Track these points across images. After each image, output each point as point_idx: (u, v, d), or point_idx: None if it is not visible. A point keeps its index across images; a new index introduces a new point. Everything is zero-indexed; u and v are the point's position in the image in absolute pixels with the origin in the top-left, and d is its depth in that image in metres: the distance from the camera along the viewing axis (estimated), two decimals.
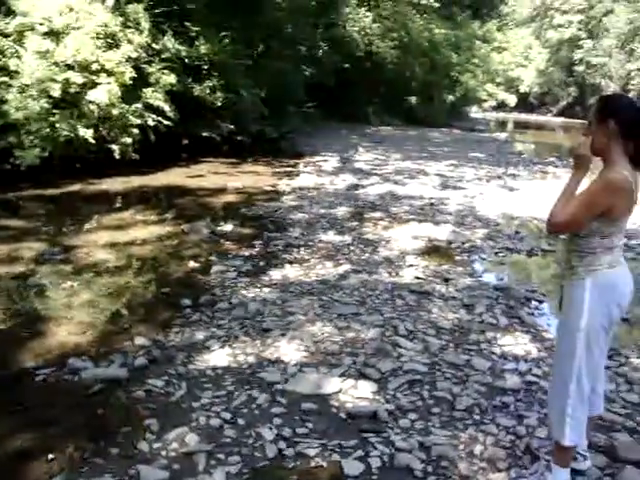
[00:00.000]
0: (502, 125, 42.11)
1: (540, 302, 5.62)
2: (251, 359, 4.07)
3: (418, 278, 5.99)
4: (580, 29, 56.11)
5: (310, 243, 7.14)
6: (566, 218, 2.52)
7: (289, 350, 4.19)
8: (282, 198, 9.98)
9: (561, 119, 54.23)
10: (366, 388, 3.73)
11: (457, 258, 6.97)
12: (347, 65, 23.32)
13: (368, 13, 25.49)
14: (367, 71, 25.74)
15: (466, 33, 29.90)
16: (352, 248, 7.02)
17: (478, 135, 28.69)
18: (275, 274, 5.92)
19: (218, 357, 4.09)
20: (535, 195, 11.48)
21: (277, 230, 7.80)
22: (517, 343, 4.57)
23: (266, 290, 5.45)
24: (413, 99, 30.05)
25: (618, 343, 4.60)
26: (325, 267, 6.22)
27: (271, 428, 3.28)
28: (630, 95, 45.28)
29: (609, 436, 3.34)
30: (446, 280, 5.98)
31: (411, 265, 6.45)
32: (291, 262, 6.36)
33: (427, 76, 28.91)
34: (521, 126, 42.00)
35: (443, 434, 3.30)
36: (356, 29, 24.33)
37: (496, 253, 7.29)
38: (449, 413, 3.52)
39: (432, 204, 10.01)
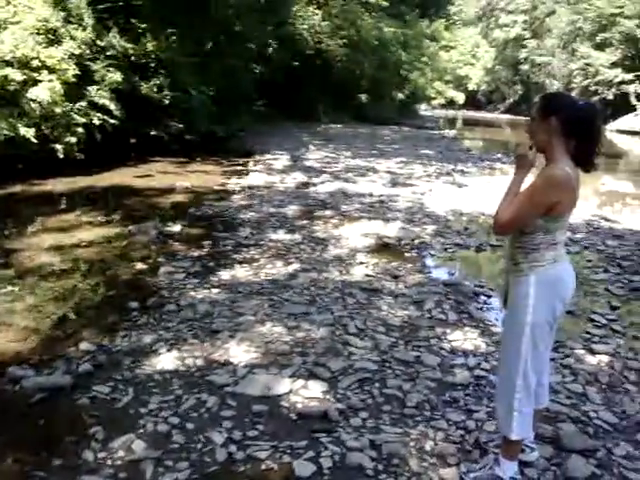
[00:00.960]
0: (451, 122, 42.71)
1: (488, 297, 5.70)
2: (200, 362, 4.01)
3: (368, 276, 6.01)
4: (525, 29, 57.47)
5: (260, 242, 7.08)
6: (511, 217, 2.56)
7: (238, 352, 4.14)
8: (232, 197, 9.88)
9: (508, 116, 55.38)
10: (317, 388, 3.72)
11: (407, 255, 7.03)
12: (297, 63, 23.27)
13: (317, 11, 25.50)
14: (317, 69, 25.75)
15: (415, 32, 30.25)
16: (302, 247, 6.99)
17: (427, 132, 29.03)
18: (224, 275, 5.85)
19: (166, 360, 4.01)
20: (483, 191, 11.68)
21: (226, 230, 7.71)
22: (466, 338, 4.63)
23: (215, 291, 5.37)
24: (363, 97, 30.23)
25: (563, 335, 4.71)
26: (275, 266, 6.17)
27: (221, 432, 3.23)
28: (573, 93, 46.63)
29: (555, 426, 3.41)
30: (396, 277, 6.02)
31: (361, 263, 6.47)
32: (241, 262, 6.29)
33: (377, 74, 29.11)
34: (470, 123, 42.73)
35: (394, 432, 3.31)
36: (305, 27, 24.30)
37: (445, 249, 7.38)
38: (400, 410, 3.53)
39: (382, 201, 10.07)
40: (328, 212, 9.05)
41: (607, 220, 9.70)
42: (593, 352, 4.51)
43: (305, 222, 8.26)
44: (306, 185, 11.36)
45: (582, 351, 4.52)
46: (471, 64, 62.29)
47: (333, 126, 26.09)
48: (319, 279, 5.80)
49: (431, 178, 13.35)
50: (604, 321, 5.22)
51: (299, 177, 12.12)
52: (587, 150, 2.61)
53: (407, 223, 8.56)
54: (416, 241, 7.62)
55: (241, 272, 5.94)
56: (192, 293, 5.31)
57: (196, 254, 6.61)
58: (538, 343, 2.68)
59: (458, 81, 60.11)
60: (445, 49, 40.03)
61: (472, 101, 63.03)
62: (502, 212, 2.58)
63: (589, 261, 7.29)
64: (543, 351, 2.75)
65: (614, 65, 40.45)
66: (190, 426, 3.27)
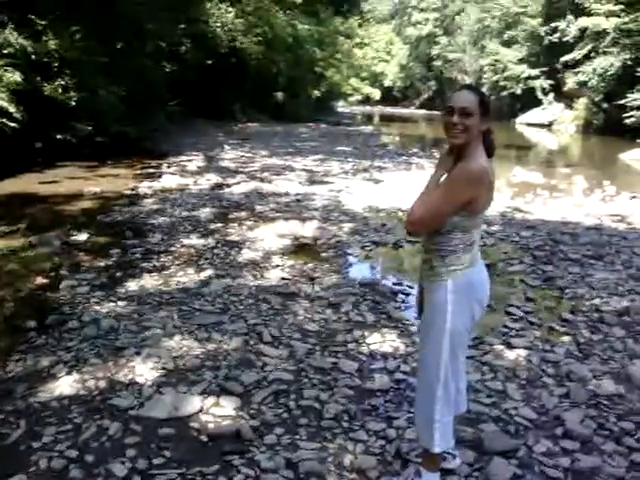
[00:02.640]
0: (368, 118, 43.19)
1: (407, 295, 5.64)
2: (102, 384, 3.70)
3: (284, 279, 5.82)
4: (436, 26, 58.90)
5: (171, 249, 6.76)
6: (424, 214, 2.44)
7: (145, 370, 3.85)
8: (143, 202, 9.45)
9: (423, 111, 56.62)
10: (229, 404, 3.50)
11: (323, 255, 6.89)
12: (211, 62, 22.79)
13: (230, 8, 25.05)
14: (232, 67, 25.32)
15: (329, 29, 30.26)
16: (216, 251, 6.73)
17: (344, 129, 29.19)
18: (132, 285, 5.51)
19: (65, 385, 3.68)
20: (400, 186, 11.76)
21: (136, 236, 7.32)
22: (385, 340, 4.52)
23: (121, 304, 5.04)
24: (279, 95, 30.02)
25: (482, 331, 4.69)
26: (186, 274, 5.88)
27: (124, 462, 2.97)
28: (484, 88, 48.08)
29: (476, 428, 3.34)
30: (312, 279, 5.87)
31: (277, 266, 6.28)
32: (150, 271, 5.96)
33: (292, 71, 28.97)
34: (386, 119, 43.34)
35: (311, 447, 3.14)
36: (219, 25, 23.81)
37: (363, 247, 7.29)
38: (317, 423, 3.37)
39: (298, 200, 9.92)
40: (243, 213, 8.81)
41: (520, 211, 9.93)
42: (511, 346, 4.51)
43: (219, 225, 7.99)
44: (221, 186, 11.05)
45: (500, 346, 4.51)
46: (386, 61, 63.28)
47: (250, 125, 25.78)
48: (233, 285, 5.56)
49: (348, 175, 13.33)
50: (520, 314, 5.26)
51: (213, 178, 11.78)
52: (492, 138, 2.58)
53: (324, 222, 8.44)
54: (333, 240, 7.51)
55: (150, 281, 5.62)
56: (96, 307, 4.96)
57: (102, 264, 6.22)
58: (457, 350, 2.58)
59: (374, 78, 60.93)
60: (360, 46, 40.35)
61: (388, 97, 64.06)
62: (415, 209, 2.45)
63: (505, 253, 7.39)
64: (461, 358, 2.66)
65: (521, 61, 41.97)
66: (90, 458, 2.99)
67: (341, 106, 49.92)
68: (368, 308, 5.15)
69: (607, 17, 31.92)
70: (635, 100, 27.64)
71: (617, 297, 5.74)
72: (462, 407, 2.88)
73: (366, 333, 4.62)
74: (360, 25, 38.77)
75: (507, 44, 43.77)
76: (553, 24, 38.56)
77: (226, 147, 17.13)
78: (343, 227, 8.23)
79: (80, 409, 3.43)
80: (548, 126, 39.10)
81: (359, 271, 6.37)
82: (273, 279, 5.81)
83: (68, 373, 3.83)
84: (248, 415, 3.40)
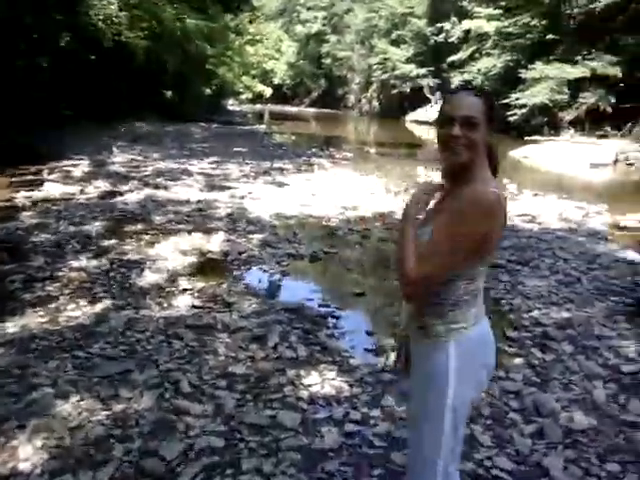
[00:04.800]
0: (259, 117, 42.40)
1: (337, 319, 5.06)
2: None
3: (196, 307, 5.04)
4: (325, 25, 59.03)
5: (58, 274, 5.70)
6: (431, 271, 1.83)
7: (31, 451, 2.97)
8: (21, 215, 8.18)
9: (314, 109, 56.58)
10: None
11: (236, 273, 6.16)
12: (94, 57, 21.17)
13: (113, 0, 23.43)
14: (117, 64, 23.72)
15: (219, 25, 29.12)
16: (112, 275, 5.78)
17: (238, 128, 28.30)
18: (9, 325, 4.48)
19: None
20: (306, 190, 11.21)
21: (14, 259, 6.13)
22: (324, 379, 3.90)
23: None
24: (169, 93, 28.59)
25: None
26: (79, 306, 4.92)
27: None
28: (373, 87, 48.76)
29: None
30: (229, 305, 5.13)
31: (185, 290, 5.47)
32: (33, 304, 4.94)
33: (182, 69, 27.64)
34: (277, 117, 42.65)
35: None
36: (101, 18, 22.16)
37: (278, 262, 6.63)
38: None
39: (200, 209, 9.07)
40: (140, 226, 7.86)
41: None
42: None
43: (113, 241, 6.99)
44: (112, 194, 9.94)
45: None
46: (275, 58, 62.72)
47: (138, 125, 24.27)
48: (136, 318, 4.71)
49: (249, 178, 12.58)
50: None
51: (103, 185, 10.62)
52: (495, 151, 2.02)
53: (231, 233, 7.69)
54: (244, 255, 6.79)
55: (34, 319, 4.62)
56: None
57: None
58: (459, 425, 1.99)
59: (264, 75, 60.20)
60: (250, 43, 39.48)
61: (278, 95, 63.52)
62: (410, 265, 1.83)
63: None
64: (461, 430, 2.07)
65: (409, 61, 42.79)
66: None
67: (232, 104, 48.77)
68: (298, 339, 4.51)
69: (488, 20, 33.09)
70: (518, 99, 28.74)
71: (555, 307, 5.48)
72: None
73: (302, 372, 3.97)
74: (251, 22, 37.91)
75: (395, 43, 44.48)
76: (438, 25, 39.56)
77: (114, 150, 15.80)
78: (252, 239, 7.53)
79: None
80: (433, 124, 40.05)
81: (280, 292, 5.68)
82: (183, 308, 5.01)
83: None
84: None
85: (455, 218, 1.80)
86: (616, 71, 24.92)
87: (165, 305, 5.07)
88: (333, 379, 3.91)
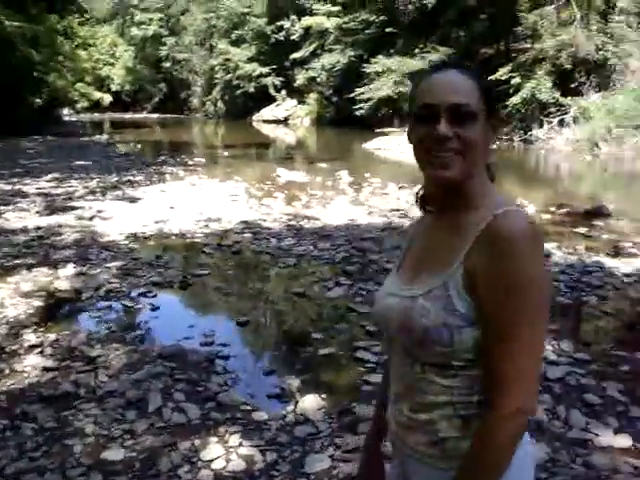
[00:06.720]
0: (99, 126, 39.79)
1: (226, 359, 4.27)
2: None
3: (48, 369, 3.99)
4: (162, 26, 56.74)
5: None
6: (531, 387, 1.16)
7: None
8: None
9: (157, 115, 54.30)
10: None
11: (95, 315, 5.13)
12: None
13: None
14: None
15: (45, 27, 26.55)
16: None
17: (77, 140, 26.08)
18: None
19: None
20: (162, 202, 10.23)
21: None
22: (228, 448, 3.12)
23: None
24: None
25: (341, 397, 3.53)
26: None
27: None
28: (217, 89, 47.55)
29: None
30: (91, 361, 4.14)
31: (32, 347, 4.36)
32: None
33: (3, 77, 24.95)
34: (119, 126, 40.23)
35: None
36: None
37: (143, 294, 5.67)
38: None
39: (41, 237, 7.78)
40: None
41: (305, 218, 9.07)
42: None
43: None
44: None
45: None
46: (111, 64, 59.34)
47: None
48: None
49: (97, 195, 11.27)
50: (373, 357, 4.22)
51: None
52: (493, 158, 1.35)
53: (83, 264, 6.57)
54: (101, 290, 5.75)
55: None
56: None
57: None
58: None
59: (101, 82, 56.76)
60: (83, 47, 36.66)
61: (118, 102, 60.24)
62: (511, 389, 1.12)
63: (313, 273, 6.37)
64: None
65: (251, 60, 42.17)
66: None
67: (68, 114, 45.34)
68: (185, 395, 3.66)
69: (328, 17, 33.39)
70: (362, 94, 29.19)
71: None
72: None
73: (197, 442, 3.15)
74: (82, 24, 35.17)
75: (236, 43, 43.66)
76: (278, 23, 39.36)
77: None
78: (109, 267, 6.49)
79: None
80: (284, 121, 39.88)
81: (152, 334, 4.75)
82: (32, 373, 3.94)
83: None
84: None
85: (505, 277, 1.11)
86: None
87: (7, 372, 3.97)
88: (239, 446, 3.13)
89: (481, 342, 1.15)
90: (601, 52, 21.09)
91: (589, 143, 19.14)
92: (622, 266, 6.51)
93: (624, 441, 3.22)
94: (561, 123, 20.78)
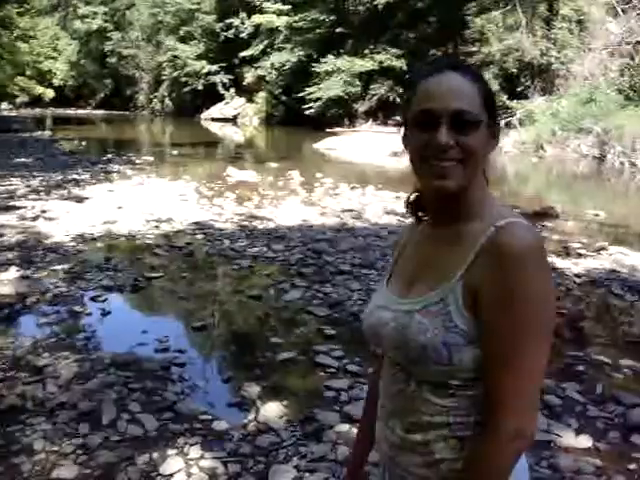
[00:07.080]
0: (41, 122, 38.51)
1: (182, 366, 4.12)
2: None
3: None
4: (107, 21, 55.22)
5: None
6: (532, 410, 1.10)
7: None
8: None
9: (102, 111, 52.94)
10: None
11: (41, 322, 4.90)
12: None
13: None
14: None
15: None
16: None
17: (17, 136, 25.17)
18: None
19: None
20: (110, 202, 9.93)
21: None
22: (188, 460, 3.01)
23: None
24: None
25: (304, 404, 3.45)
26: None
27: None
28: (164, 86, 46.70)
29: None
30: (39, 371, 3.91)
31: None
32: None
33: None
34: (62, 122, 39.07)
35: None
36: None
37: (93, 298, 5.46)
38: None
39: None
40: None
41: (257, 218, 8.94)
42: (353, 421, 3.34)
43: None
44: None
45: (343, 426, 3.31)
46: (53, 57, 57.45)
47: None
48: None
49: (40, 194, 10.85)
50: (334, 362, 4.17)
51: None
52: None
53: (27, 267, 6.28)
54: (48, 294, 5.50)
55: None
56: None
57: None
58: None
59: (42, 76, 54.90)
60: (23, 40, 35.31)
61: (61, 98, 58.45)
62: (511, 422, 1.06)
63: (268, 276, 6.27)
64: None
65: (200, 57, 41.55)
66: None
67: (7, 109, 43.74)
68: (141, 406, 3.51)
69: (278, 15, 33.20)
70: (312, 93, 29.15)
71: None
72: None
73: (155, 455, 3.02)
74: (21, 15, 33.85)
75: (184, 40, 42.93)
76: (228, 21, 38.93)
77: None
78: (56, 270, 6.23)
79: None
80: (233, 120, 39.46)
81: (104, 341, 4.56)
82: None
83: None
84: None
85: (509, 295, 1.05)
86: (401, 63, 26.25)
87: None
88: (200, 458, 3.02)
89: (482, 361, 1.09)
90: (545, 57, 21.68)
91: (535, 145, 19.60)
92: (573, 267, 6.65)
93: (585, 441, 3.26)
94: (508, 125, 21.22)
